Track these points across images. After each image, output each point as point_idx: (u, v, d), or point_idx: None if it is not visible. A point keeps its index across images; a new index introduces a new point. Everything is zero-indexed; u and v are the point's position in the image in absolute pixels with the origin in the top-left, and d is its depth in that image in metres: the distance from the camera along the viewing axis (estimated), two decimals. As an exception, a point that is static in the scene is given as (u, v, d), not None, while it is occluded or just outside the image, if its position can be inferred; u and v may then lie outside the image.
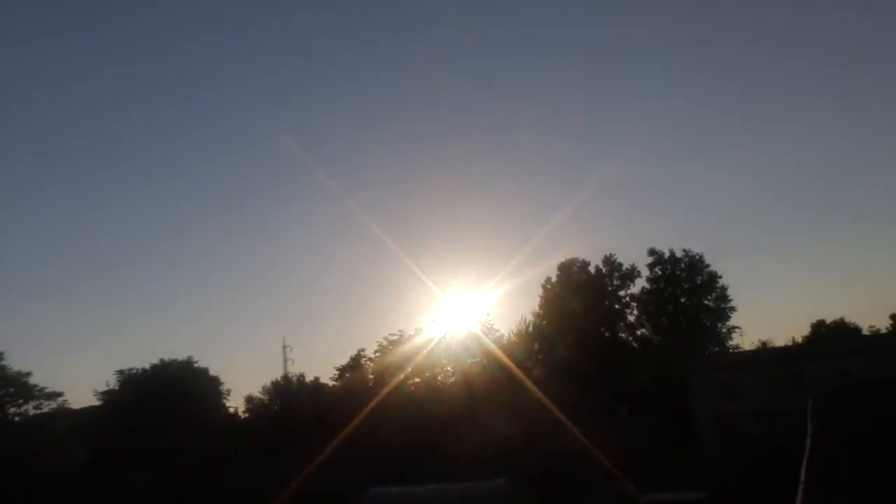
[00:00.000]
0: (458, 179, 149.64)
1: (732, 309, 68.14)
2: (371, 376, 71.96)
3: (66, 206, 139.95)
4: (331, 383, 73.90)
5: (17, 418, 59.07)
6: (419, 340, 71.08)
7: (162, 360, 64.42)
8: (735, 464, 29.96)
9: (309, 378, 76.84)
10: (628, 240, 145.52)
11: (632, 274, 70.85)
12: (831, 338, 68.39)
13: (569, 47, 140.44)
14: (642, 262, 70.96)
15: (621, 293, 70.80)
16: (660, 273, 69.92)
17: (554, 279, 71.22)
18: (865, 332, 72.46)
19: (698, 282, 68.44)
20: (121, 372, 63.58)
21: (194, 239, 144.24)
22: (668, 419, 46.47)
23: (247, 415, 74.43)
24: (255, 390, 76.74)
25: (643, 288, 70.40)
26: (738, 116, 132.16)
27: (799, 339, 72.93)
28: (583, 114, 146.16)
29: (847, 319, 76.56)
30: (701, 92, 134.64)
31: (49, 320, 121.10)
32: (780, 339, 72.40)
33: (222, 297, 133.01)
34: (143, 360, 71.02)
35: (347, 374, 72.45)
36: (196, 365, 66.08)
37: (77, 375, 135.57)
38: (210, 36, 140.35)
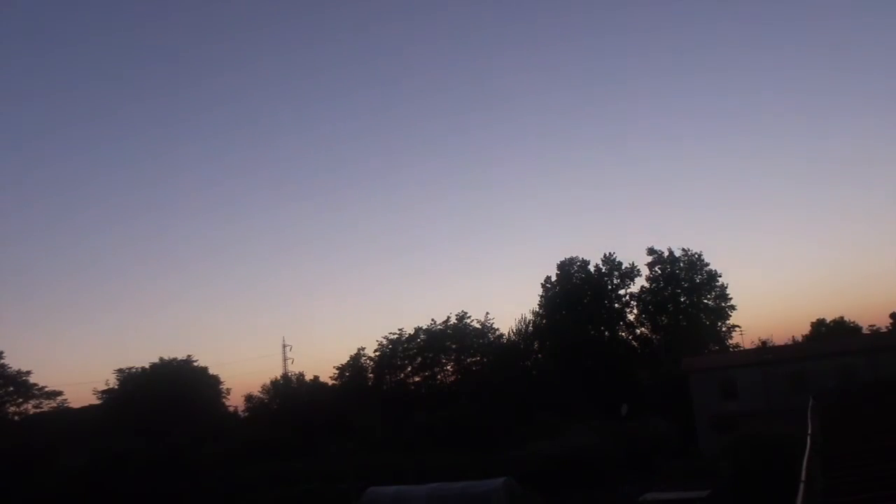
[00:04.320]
0: (459, 178, 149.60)
1: (732, 308, 68.05)
2: (371, 375, 71.88)
3: (66, 205, 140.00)
4: (330, 382, 73.88)
5: (16, 417, 59.02)
6: (419, 339, 71.05)
7: (161, 360, 64.45)
8: (735, 463, 29.89)
9: (308, 377, 76.95)
10: (628, 239, 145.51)
11: (631, 273, 70.71)
12: (831, 337, 68.29)
13: (567, 47, 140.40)
14: (642, 261, 70.94)
15: (621, 292, 70.68)
16: (659, 272, 69.76)
17: (554, 278, 71.10)
18: (865, 331, 72.42)
19: (698, 280, 68.28)
20: (121, 371, 63.63)
21: (194, 239, 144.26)
22: (668, 419, 46.37)
23: (246, 414, 74.45)
24: (255, 389, 76.87)
25: (643, 287, 70.30)
26: (738, 115, 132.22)
27: (799, 339, 72.97)
28: (583, 113, 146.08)
29: (847, 318, 76.66)
30: (701, 91, 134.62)
31: (49, 320, 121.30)
32: (780, 339, 72.37)
33: (222, 297, 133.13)
34: (142, 359, 71.06)
35: (347, 374, 72.33)
36: (195, 364, 66.09)
37: (77, 375, 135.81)
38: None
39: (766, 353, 51.24)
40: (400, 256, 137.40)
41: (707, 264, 68.53)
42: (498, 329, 71.41)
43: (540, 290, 71.56)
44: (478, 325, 71.23)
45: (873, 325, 73.76)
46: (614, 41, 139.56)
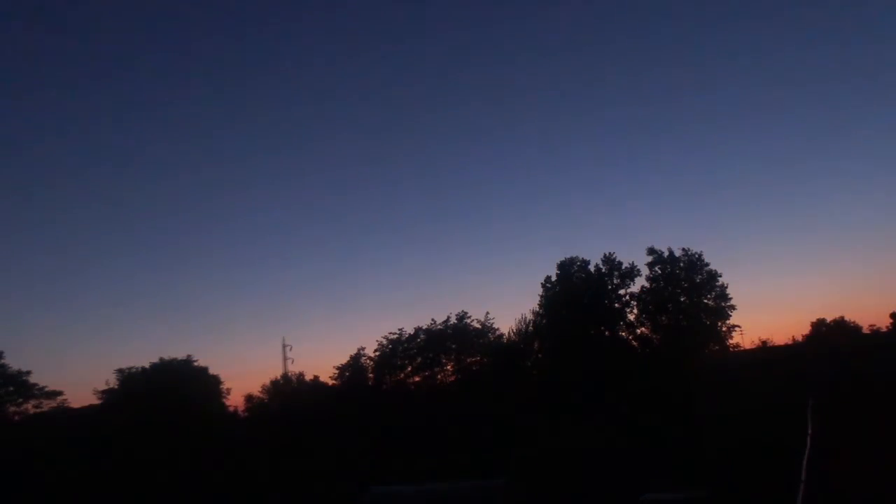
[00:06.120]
0: (459, 179, 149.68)
1: (732, 307, 68.05)
2: (371, 375, 71.91)
3: (67, 206, 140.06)
4: (330, 382, 73.90)
5: (16, 417, 59.01)
6: (419, 339, 71.08)
7: (161, 360, 64.40)
8: (735, 463, 29.89)
9: (308, 377, 77.00)
10: (628, 239, 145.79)
11: (631, 273, 70.74)
12: (831, 337, 68.40)
13: (568, 49, 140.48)
14: (642, 261, 70.97)
15: (621, 292, 70.68)
16: (659, 272, 69.79)
17: (554, 278, 71.15)
18: (865, 330, 72.55)
19: (698, 280, 68.31)
20: (121, 371, 63.57)
21: (194, 239, 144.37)
22: (668, 419, 46.40)
23: (246, 414, 74.51)
24: (255, 389, 76.98)
25: (643, 287, 70.31)
26: (738, 115, 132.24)
27: (799, 338, 73.05)
28: (584, 114, 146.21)
29: (847, 318, 76.76)
30: (701, 91, 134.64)
31: (49, 320, 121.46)
32: (780, 339, 72.44)
33: (222, 296, 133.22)
34: (142, 359, 70.93)
35: (347, 374, 72.33)
36: (195, 364, 66.06)
37: (77, 375, 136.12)
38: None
39: (766, 353, 51.29)
40: (400, 256, 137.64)
41: (707, 264, 68.60)
42: (498, 329, 71.49)
43: (540, 290, 71.67)
44: (478, 325, 71.27)
45: (873, 325, 73.88)
46: (615, 42, 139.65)
